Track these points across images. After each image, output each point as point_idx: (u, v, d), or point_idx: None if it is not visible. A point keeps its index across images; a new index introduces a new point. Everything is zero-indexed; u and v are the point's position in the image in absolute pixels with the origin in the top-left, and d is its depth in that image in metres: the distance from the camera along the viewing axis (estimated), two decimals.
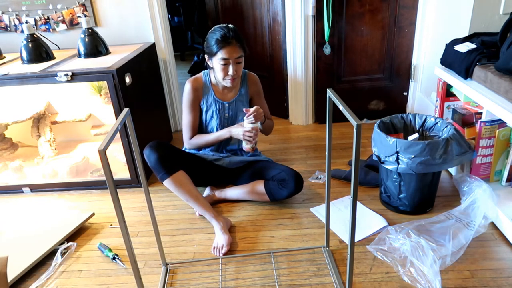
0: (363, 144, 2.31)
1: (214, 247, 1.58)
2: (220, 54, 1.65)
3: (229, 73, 1.70)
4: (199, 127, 1.91)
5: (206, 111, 1.86)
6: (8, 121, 2.16)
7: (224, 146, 1.93)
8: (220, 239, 1.59)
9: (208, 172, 1.91)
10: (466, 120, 1.79)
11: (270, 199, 1.80)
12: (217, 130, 1.88)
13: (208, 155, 1.90)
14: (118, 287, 1.45)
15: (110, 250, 1.60)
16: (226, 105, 1.85)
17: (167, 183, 1.67)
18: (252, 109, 1.67)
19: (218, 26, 1.70)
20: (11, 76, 1.88)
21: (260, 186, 1.80)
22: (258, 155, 2.00)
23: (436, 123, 1.73)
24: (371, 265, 1.45)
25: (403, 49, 2.52)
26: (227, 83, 1.75)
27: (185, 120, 1.86)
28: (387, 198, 1.76)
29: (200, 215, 1.80)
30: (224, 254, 1.55)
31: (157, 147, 1.68)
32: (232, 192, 1.86)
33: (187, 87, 1.83)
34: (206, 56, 1.75)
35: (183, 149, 1.98)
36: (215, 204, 1.87)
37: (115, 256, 1.57)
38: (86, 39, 2.09)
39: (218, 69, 1.71)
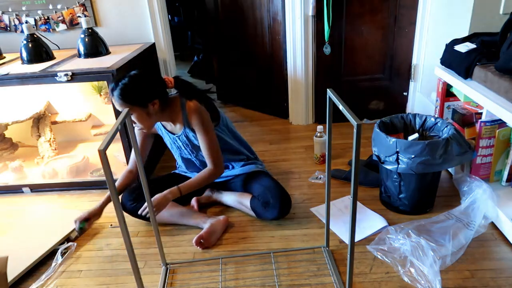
0: (363, 144, 2.31)
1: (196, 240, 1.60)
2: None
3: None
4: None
5: (166, 141, 1.82)
6: (8, 121, 2.16)
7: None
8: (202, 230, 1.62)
9: (199, 189, 1.82)
10: (466, 120, 1.79)
11: (256, 217, 1.74)
12: (181, 160, 1.84)
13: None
14: (118, 287, 1.45)
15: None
16: (177, 139, 1.75)
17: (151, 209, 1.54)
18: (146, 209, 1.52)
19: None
20: (11, 76, 1.88)
21: (247, 200, 1.75)
22: (253, 163, 1.87)
23: (436, 123, 1.73)
24: (371, 265, 1.45)
25: (403, 49, 2.52)
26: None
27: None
28: (387, 198, 1.76)
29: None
30: (200, 243, 1.58)
31: (126, 199, 1.72)
32: (227, 198, 1.85)
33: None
34: None
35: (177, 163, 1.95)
36: (212, 206, 1.88)
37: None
38: (86, 39, 2.09)
39: None
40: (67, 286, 1.48)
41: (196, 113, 1.60)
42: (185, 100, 1.63)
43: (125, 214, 1.68)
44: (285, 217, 1.75)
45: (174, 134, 1.74)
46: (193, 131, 1.66)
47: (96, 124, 2.48)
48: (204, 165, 1.74)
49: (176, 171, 1.95)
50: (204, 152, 1.65)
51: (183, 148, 1.77)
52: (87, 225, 1.61)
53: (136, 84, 1.50)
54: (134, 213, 1.70)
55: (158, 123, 1.74)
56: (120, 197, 1.73)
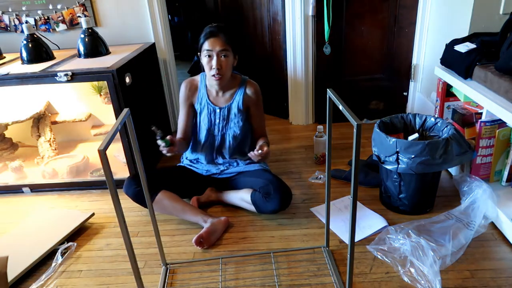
0: (363, 144, 2.31)
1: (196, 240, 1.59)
2: (204, 46, 1.67)
3: (212, 67, 1.67)
4: (194, 129, 1.89)
5: (200, 113, 1.84)
6: (8, 121, 2.16)
7: (218, 156, 1.91)
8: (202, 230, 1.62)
9: (202, 184, 1.89)
10: (466, 120, 1.79)
11: (256, 211, 1.74)
12: (206, 134, 1.84)
13: (202, 170, 1.90)
14: (118, 287, 1.45)
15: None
16: (218, 110, 1.81)
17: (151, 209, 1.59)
18: (259, 152, 1.61)
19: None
20: (11, 76, 1.88)
21: (247, 195, 1.75)
22: (257, 162, 1.89)
23: (436, 123, 1.73)
24: (371, 265, 1.45)
25: (403, 49, 2.52)
26: (213, 80, 1.72)
27: (179, 119, 1.90)
28: (387, 198, 1.76)
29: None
30: (200, 242, 1.57)
31: (130, 183, 1.74)
32: (227, 196, 1.85)
33: (182, 86, 1.86)
34: (198, 54, 1.75)
35: (183, 157, 1.98)
36: (212, 205, 1.88)
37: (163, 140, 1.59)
38: (86, 39, 2.09)
39: (204, 64, 1.71)
40: (67, 286, 1.48)
41: (258, 89, 1.85)
42: (247, 78, 1.86)
43: (125, 213, 1.68)
44: (285, 217, 1.75)
45: (215, 105, 1.80)
46: (240, 108, 1.80)
47: (96, 124, 2.48)
48: (220, 148, 1.87)
49: (181, 164, 1.96)
50: (259, 123, 1.90)
51: (216, 121, 1.83)
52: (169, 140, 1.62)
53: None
54: (137, 197, 1.74)
55: (204, 90, 1.83)
56: (123, 189, 1.77)
